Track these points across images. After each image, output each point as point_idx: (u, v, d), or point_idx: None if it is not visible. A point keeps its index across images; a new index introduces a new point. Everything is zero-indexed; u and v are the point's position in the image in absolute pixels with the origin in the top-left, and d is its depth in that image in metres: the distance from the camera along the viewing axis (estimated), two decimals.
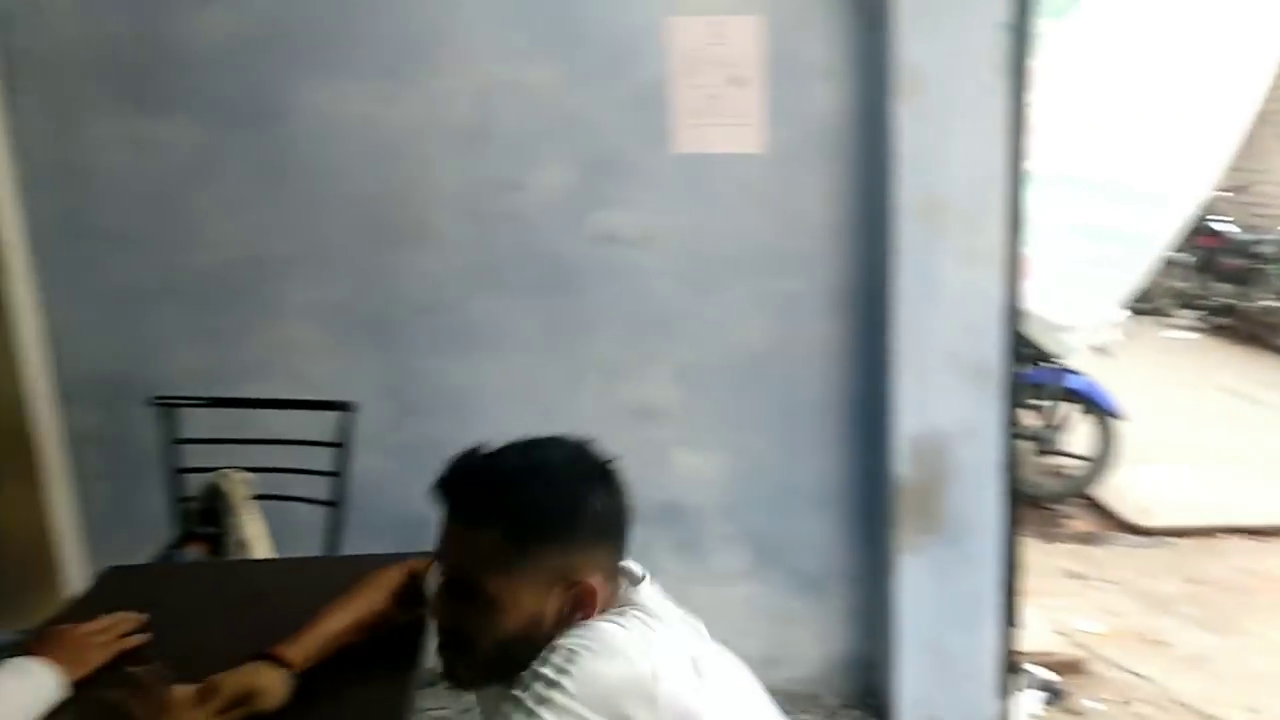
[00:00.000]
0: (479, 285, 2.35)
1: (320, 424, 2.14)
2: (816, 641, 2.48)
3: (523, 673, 0.90)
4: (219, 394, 2.22)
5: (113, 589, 1.60)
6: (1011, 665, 2.33)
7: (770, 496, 2.41)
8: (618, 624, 0.94)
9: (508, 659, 0.94)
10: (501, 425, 2.45)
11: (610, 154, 2.26)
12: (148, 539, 2.21)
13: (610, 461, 1.04)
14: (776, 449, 2.38)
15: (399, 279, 2.37)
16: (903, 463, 2.23)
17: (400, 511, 2.45)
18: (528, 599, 0.95)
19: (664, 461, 2.41)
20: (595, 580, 0.97)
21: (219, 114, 2.31)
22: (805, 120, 2.23)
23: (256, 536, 2.02)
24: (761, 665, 2.66)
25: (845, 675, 2.49)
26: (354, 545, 2.09)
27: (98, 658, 1.24)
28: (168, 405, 2.17)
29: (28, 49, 2.30)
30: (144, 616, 1.35)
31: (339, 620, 1.25)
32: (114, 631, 1.29)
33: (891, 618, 2.30)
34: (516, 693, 0.88)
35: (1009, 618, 2.31)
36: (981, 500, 2.23)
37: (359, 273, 2.37)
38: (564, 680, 0.86)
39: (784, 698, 2.49)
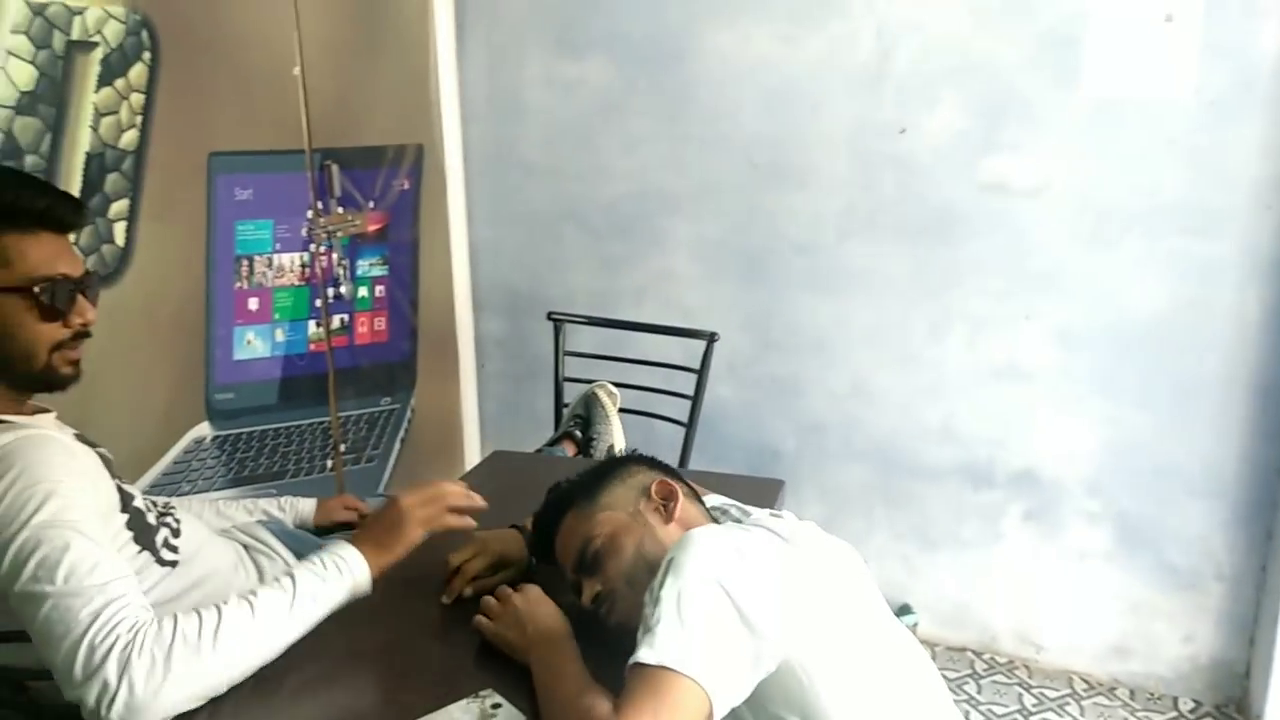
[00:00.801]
0: (855, 228, 2.36)
1: (687, 350, 2.31)
2: (1180, 641, 2.27)
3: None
4: (603, 315, 2.45)
5: (496, 469, 1.88)
6: None
7: (1145, 478, 2.22)
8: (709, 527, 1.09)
9: (650, 575, 1.05)
10: (858, 369, 2.51)
11: (1010, 98, 2.15)
12: (530, 433, 2.54)
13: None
14: (1160, 427, 2.17)
15: (777, 218, 2.43)
16: None
17: (749, 438, 2.60)
18: (628, 522, 1.15)
19: (1025, 425, 2.30)
20: (662, 482, 1.18)
21: (630, 56, 2.49)
22: (1248, 62, 1.96)
23: (619, 445, 2.23)
24: (1110, 654, 2.51)
25: (1209, 682, 2.26)
26: (703, 464, 2.22)
27: (421, 526, 1.19)
28: (560, 320, 2.44)
29: (478, 1, 2.65)
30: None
31: None
32: (440, 503, 1.21)
33: (1276, 630, 2.05)
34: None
35: None
36: None
37: (740, 211, 2.47)
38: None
39: (1130, 692, 2.33)
